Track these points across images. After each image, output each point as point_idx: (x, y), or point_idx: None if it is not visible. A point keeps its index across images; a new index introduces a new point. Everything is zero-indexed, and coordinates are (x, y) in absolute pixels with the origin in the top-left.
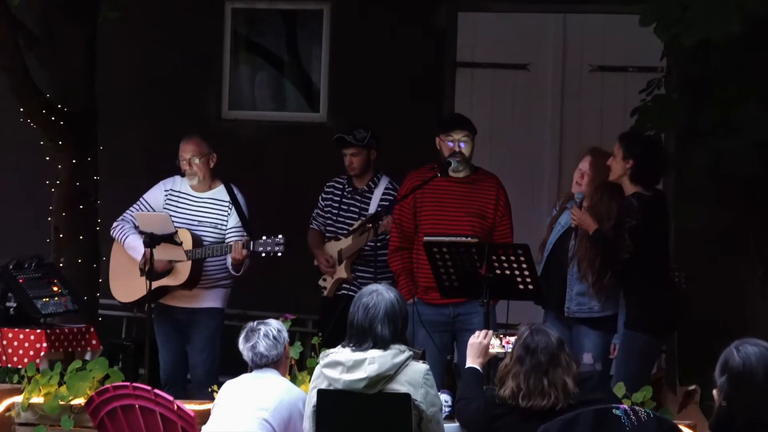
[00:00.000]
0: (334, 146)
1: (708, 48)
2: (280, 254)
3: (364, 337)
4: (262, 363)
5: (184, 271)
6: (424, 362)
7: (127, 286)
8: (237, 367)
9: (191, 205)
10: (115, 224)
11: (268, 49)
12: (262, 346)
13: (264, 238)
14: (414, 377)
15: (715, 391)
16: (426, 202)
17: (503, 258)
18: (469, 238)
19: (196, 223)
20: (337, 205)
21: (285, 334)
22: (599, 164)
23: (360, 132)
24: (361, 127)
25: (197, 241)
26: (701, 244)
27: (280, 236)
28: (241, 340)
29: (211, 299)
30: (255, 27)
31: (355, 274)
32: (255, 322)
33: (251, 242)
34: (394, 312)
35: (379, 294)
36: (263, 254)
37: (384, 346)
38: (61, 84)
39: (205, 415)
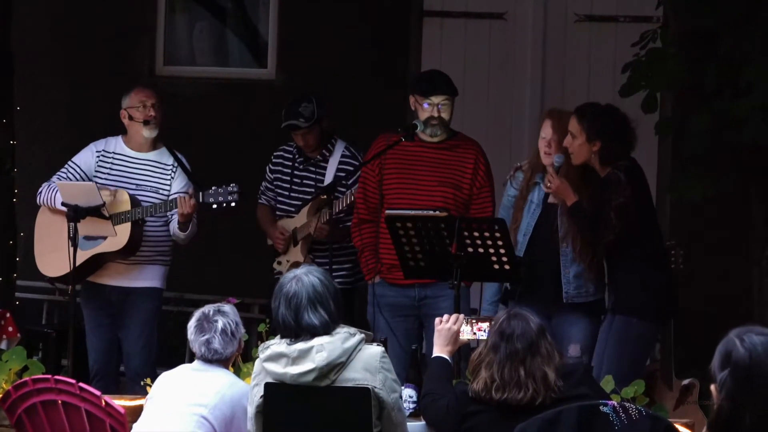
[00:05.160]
0: (284, 106)
1: None
2: (234, 204)
3: (296, 332)
4: (213, 359)
5: (122, 233)
6: (378, 344)
7: (55, 258)
8: (174, 357)
9: (129, 168)
10: (40, 189)
11: None
12: (218, 342)
13: (214, 188)
14: (370, 362)
15: (713, 387)
16: (392, 169)
17: (476, 234)
18: (437, 212)
19: (134, 186)
20: (288, 178)
21: (242, 328)
22: (562, 125)
23: (306, 107)
24: (303, 100)
25: (135, 202)
26: (700, 219)
27: (233, 184)
28: (192, 328)
29: (148, 277)
30: None
31: (314, 255)
32: (210, 310)
33: (200, 193)
34: (319, 295)
35: (298, 280)
36: (215, 206)
37: (324, 331)
38: None
39: (137, 412)
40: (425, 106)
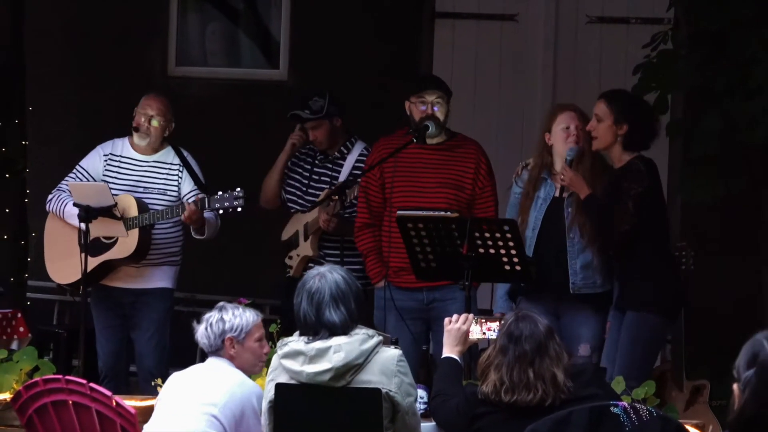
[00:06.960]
0: (295, 107)
1: None
2: (240, 209)
3: (315, 328)
4: (210, 351)
5: (131, 240)
6: (396, 347)
7: (66, 265)
8: (185, 357)
9: (135, 171)
10: (50, 196)
11: None
12: (200, 333)
13: (220, 193)
14: (386, 365)
15: (736, 386)
16: (396, 172)
17: (487, 235)
18: (448, 213)
19: (141, 189)
20: (307, 174)
21: (227, 325)
22: (584, 118)
23: (316, 101)
24: (316, 94)
25: (143, 207)
26: (710, 220)
27: (238, 189)
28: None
29: (159, 278)
30: None
31: (324, 252)
32: (221, 304)
33: (206, 199)
34: (341, 292)
35: (322, 277)
36: (221, 211)
37: (344, 330)
38: None
39: (147, 412)
40: (421, 108)
